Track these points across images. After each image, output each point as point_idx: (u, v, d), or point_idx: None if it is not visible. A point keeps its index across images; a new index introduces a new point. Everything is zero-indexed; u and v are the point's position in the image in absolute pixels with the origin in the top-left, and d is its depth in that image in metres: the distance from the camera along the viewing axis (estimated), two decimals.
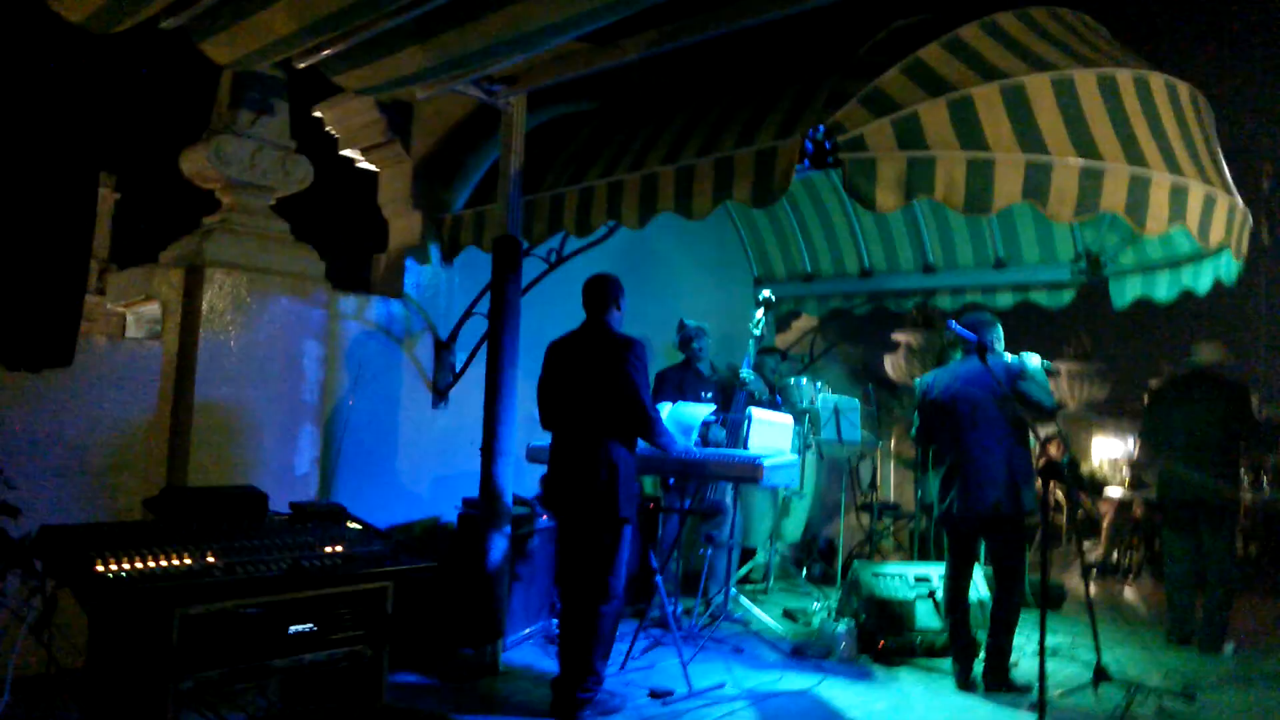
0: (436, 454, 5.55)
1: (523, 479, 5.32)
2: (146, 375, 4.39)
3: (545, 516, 5.16)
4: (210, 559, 2.76)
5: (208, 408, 4.42)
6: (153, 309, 4.67)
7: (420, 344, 5.51)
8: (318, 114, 5.93)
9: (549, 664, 4.56)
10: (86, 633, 2.92)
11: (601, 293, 4.22)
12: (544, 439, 4.84)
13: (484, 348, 4.86)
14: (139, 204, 14.11)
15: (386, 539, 3.21)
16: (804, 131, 3.87)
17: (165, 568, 2.67)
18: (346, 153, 6.02)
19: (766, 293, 5.75)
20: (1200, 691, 4.50)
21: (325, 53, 3.80)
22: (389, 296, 5.45)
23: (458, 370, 5.54)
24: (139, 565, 2.65)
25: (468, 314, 5.46)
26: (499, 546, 4.57)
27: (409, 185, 5.71)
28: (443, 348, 5.54)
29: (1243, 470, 7.66)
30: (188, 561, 2.72)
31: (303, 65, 3.94)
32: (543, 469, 4.68)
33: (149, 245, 5.03)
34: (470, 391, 5.32)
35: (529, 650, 4.92)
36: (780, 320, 8.52)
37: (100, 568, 2.59)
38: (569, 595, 4.12)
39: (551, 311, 5.29)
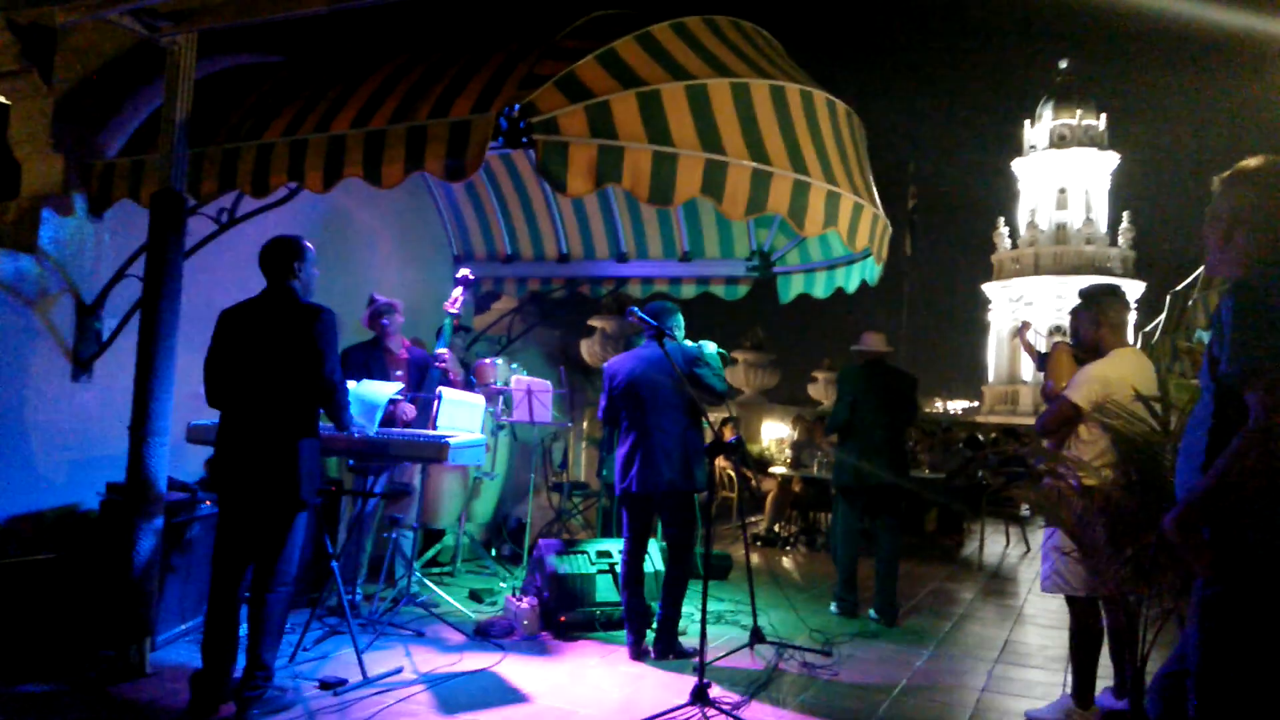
0: (77, 433, 4.87)
1: (185, 462, 4.82)
2: None
3: (209, 503, 4.71)
4: None
5: None
6: None
7: (59, 307, 4.80)
8: None
9: None
10: None
11: (283, 256, 3.85)
12: (209, 417, 4.41)
13: (138, 315, 4.33)
14: None
15: None
16: (500, 108, 3.84)
17: None
18: None
19: (465, 271, 5.67)
20: (836, 647, 5.08)
21: None
22: (19, 251, 4.67)
23: (105, 339, 4.90)
24: None
25: (119, 276, 4.84)
26: (149, 536, 4.12)
27: (49, 124, 4.93)
28: (87, 313, 4.86)
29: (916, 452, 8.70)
30: None
31: None
32: (207, 451, 4.27)
33: None
34: (121, 364, 4.72)
35: (184, 648, 4.48)
36: (480, 300, 8.46)
37: None
38: (224, 583, 3.79)
39: (222, 278, 4.84)
